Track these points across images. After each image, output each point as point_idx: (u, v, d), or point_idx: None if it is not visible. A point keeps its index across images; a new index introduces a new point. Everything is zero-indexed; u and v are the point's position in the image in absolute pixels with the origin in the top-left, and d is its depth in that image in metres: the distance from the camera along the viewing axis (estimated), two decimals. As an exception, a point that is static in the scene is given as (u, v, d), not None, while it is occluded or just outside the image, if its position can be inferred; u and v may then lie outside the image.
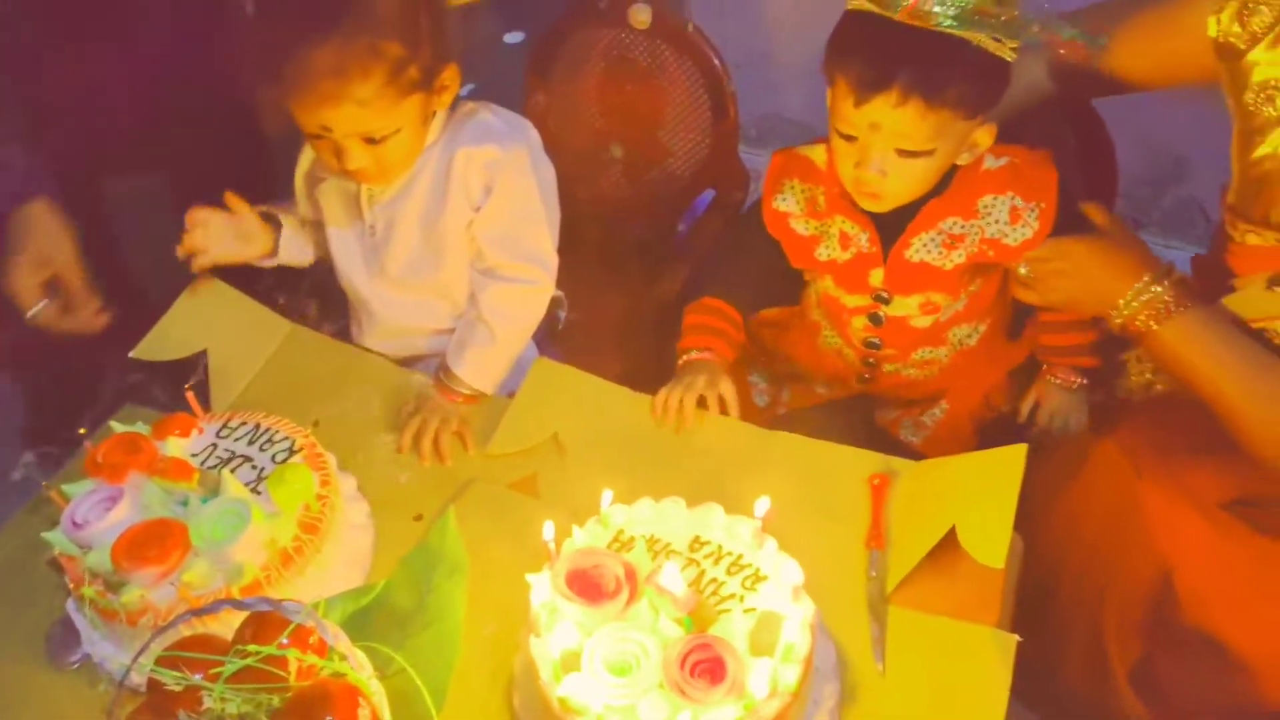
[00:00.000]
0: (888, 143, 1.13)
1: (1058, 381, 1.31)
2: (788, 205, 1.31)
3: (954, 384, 1.38)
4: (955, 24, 1.07)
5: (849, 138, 1.16)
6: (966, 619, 1.01)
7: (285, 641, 0.77)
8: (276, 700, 0.77)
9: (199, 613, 0.77)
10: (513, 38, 2.80)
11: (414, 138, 1.17)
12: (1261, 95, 1.12)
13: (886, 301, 1.30)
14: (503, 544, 1.08)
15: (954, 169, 1.21)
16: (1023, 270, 1.21)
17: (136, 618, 0.96)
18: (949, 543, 1.03)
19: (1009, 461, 1.05)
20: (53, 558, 1.07)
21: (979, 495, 1.04)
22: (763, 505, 0.96)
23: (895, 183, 1.17)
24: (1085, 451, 1.18)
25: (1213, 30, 1.15)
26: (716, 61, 1.57)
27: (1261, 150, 1.13)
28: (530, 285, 1.26)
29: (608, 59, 1.64)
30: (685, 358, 1.30)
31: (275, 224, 1.31)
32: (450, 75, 1.17)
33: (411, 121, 1.15)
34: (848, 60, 1.12)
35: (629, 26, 1.58)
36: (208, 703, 0.73)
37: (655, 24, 1.57)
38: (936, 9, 1.07)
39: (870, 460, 1.17)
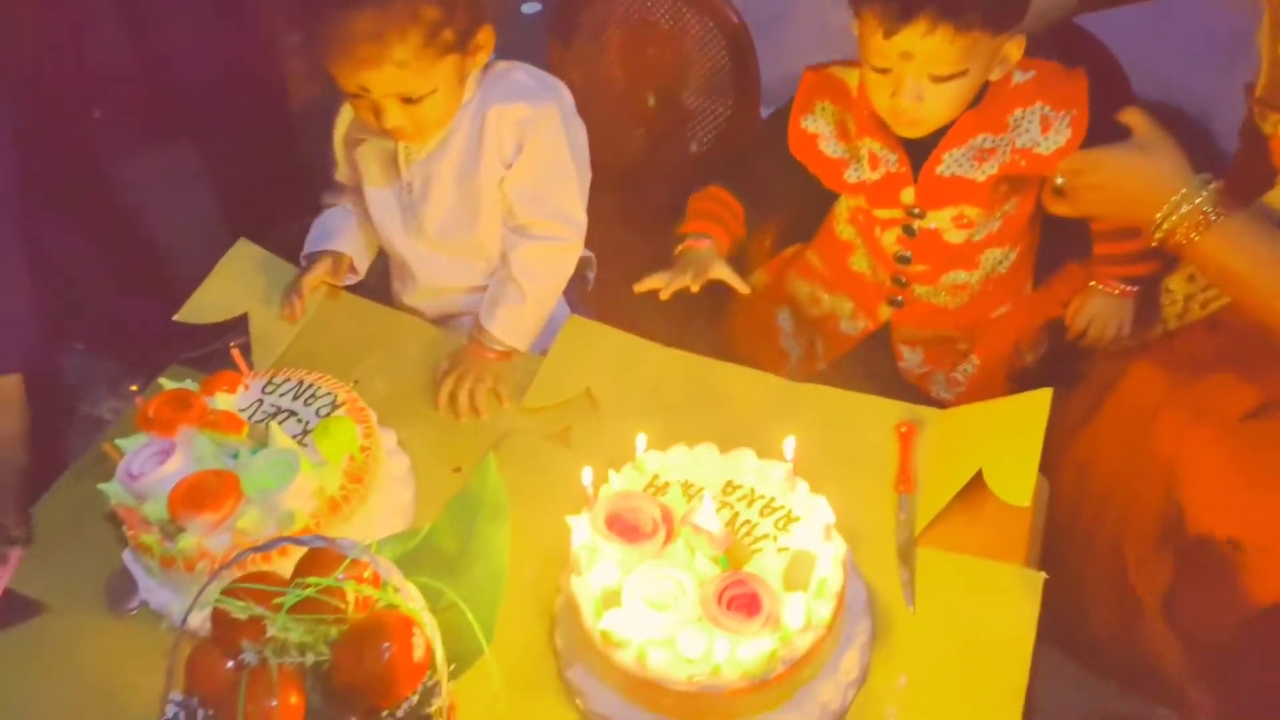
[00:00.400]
0: (921, 69, 1.15)
1: (1104, 289, 1.30)
2: (817, 127, 1.32)
3: (985, 333, 1.38)
4: None
5: (882, 70, 1.17)
6: (994, 558, 1.04)
7: (342, 576, 0.81)
8: (334, 631, 0.81)
9: (260, 549, 0.81)
10: (530, 8, 2.81)
11: (450, 97, 1.20)
12: None
13: (920, 216, 1.30)
14: (540, 492, 1.11)
15: (986, 83, 1.22)
16: (1059, 181, 1.17)
17: (194, 563, 1.00)
18: (976, 485, 1.06)
19: (1034, 405, 1.08)
20: (110, 511, 1.11)
21: (1005, 438, 1.07)
22: (790, 445, 0.98)
23: (933, 106, 1.18)
24: (1110, 379, 1.19)
25: None
26: (737, 20, 1.58)
27: None
28: (559, 243, 1.29)
29: (628, 22, 1.65)
30: (681, 245, 1.32)
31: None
32: (485, 36, 1.19)
33: (447, 81, 1.17)
34: None
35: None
36: (271, 632, 0.77)
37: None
38: None
39: (896, 409, 1.19)
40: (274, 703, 0.79)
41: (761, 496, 1.00)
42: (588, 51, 1.69)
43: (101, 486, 1.06)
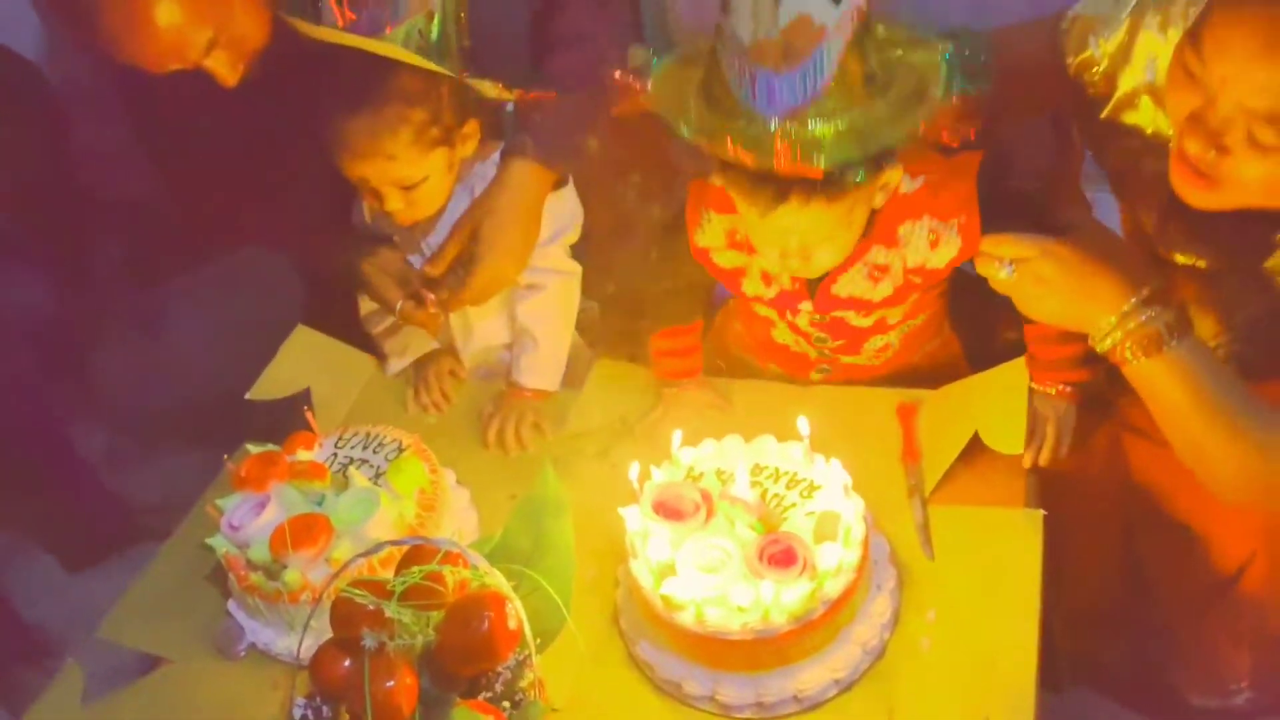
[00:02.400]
0: (805, 234, 1.15)
1: (1040, 389, 1.25)
2: (708, 240, 1.31)
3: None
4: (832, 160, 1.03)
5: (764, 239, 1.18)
6: (997, 505, 1.18)
7: (438, 569, 0.95)
8: (437, 616, 0.95)
9: (367, 554, 0.95)
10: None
11: (441, 181, 1.36)
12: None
13: (823, 321, 1.33)
14: (588, 504, 1.23)
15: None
16: (1005, 273, 1.11)
17: (298, 595, 1.14)
18: (974, 445, 1.21)
19: (1015, 370, 1.23)
20: (209, 572, 1.26)
21: (994, 400, 1.22)
22: (804, 424, 1.13)
23: (823, 258, 1.19)
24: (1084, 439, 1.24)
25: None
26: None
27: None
28: (553, 289, 1.44)
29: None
30: (666, 389, 1.38)
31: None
32: (470, 128, 1.37)
33: (437, 169, 1.34)
34: (739, 180, 1.12)
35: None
36: (387, 614, 0.90)
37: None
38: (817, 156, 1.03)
39: (896, 394, 1.34)
40: (392, 683, 0.92)
41: (786, 473, 1.14)
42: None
43: (209, 541, 1.20)
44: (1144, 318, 1.04)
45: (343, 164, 1.33)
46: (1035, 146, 1.57)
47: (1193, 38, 0.97)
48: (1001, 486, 1.20)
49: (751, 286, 1.33)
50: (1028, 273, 1.09)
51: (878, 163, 1.11)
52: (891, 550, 1.15)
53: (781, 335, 1.42)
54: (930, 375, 1.38)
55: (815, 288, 1.29)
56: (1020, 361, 1.24)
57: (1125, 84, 1.17)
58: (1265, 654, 1.20)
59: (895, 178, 1.17)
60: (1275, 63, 0.91)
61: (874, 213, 1.22)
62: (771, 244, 1.19)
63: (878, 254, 1.24)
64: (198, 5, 1.18)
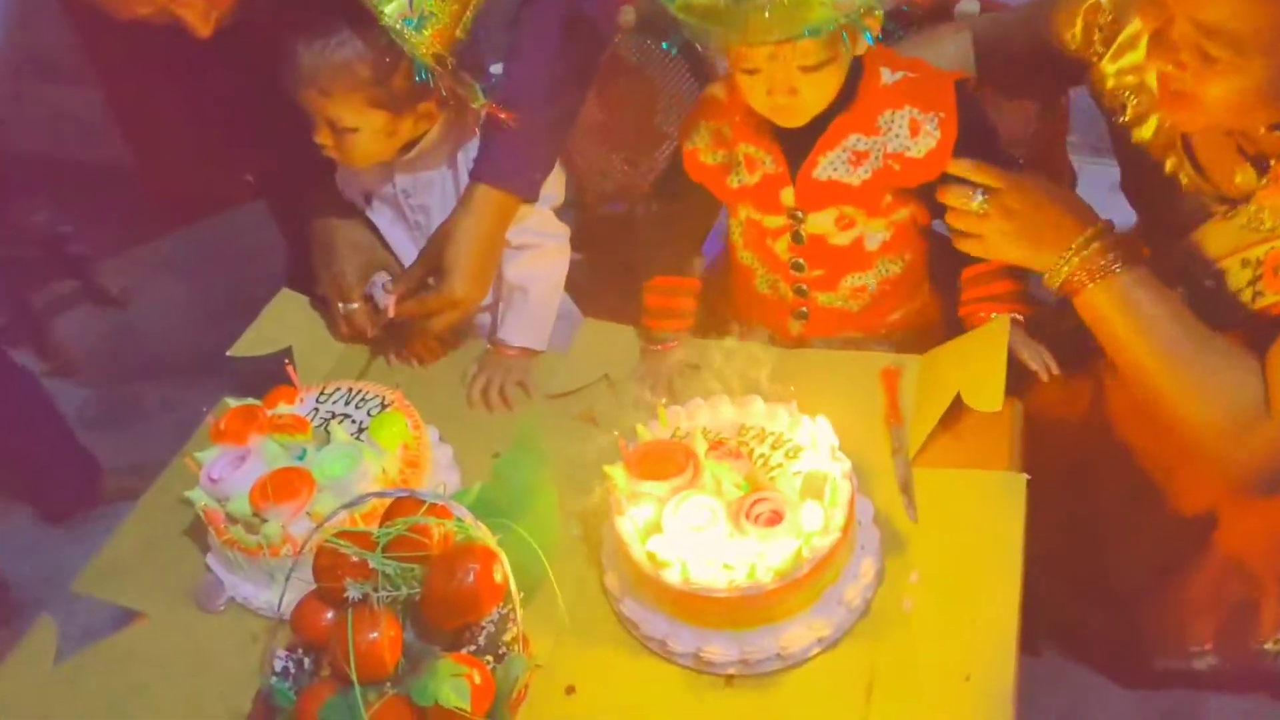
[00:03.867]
0: (789, 64, 1.18)
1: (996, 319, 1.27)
2: (696, 142, 1.38)
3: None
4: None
5: (751, 71, 1.21)
6: (980, 467, 1.18)
7: (422, 519, 0.94)
8: (421, 569, 0.94)
9: (351, 505, 0.94)
10: (498, 68, 3.01)
11: (373, 140, 1.33)
12: (1115, 102, 1.25)
13: (801, 220, 1.35)
14: (573, 463, 1.24)
15: (856, 85, 1.27)
16: (975, 201, 1.17)
17: (278, 549, 1.12)
18: (957, 408, 1.21)
19: (995, 329, 1.23)
20: (188, 527, 1.24)
21: (974, 360, 1.22)
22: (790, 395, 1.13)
23: (808, 95, 1.22)
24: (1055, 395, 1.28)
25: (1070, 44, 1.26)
26: (699, 48, 1.76)
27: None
28: (546, 248, 1.43)
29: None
30: (647, 344, 1.39)
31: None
32: (427, 108, 1.34)
33: (371, 128, 1.31)
34: None
35: (617, 27, 1.77)
36: (371, 565, 0.90)
37: (639, 22, 1.77)
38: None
39: (880, 359, 1.34)
40: (376, 635, 0.92)
41: (772, 433, 1.14)
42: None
43: (187, 493, 1.18)
44: (1095, 245, 1.12)
45: (288, 87, 1.30)
46: (1020, 115, 1.59)
47: None
48: (985, 449, 1.20)
49: (737, 177, 1.35)
50: (996, 205, 1.15)
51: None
52: (876, 512, 1.15)
53: (761, 285, 1.45)
54: (909, 338, 1.40)
55: (796, 174, 1.31)
56: (1002, 320, 1.24)
57: (1129, 29, 1.21)
58: (1227, 615, 1.21)
59: (874, 24, 1.19)
60: None
61: (856, 95, 1.27)
62: (757, 78, 1.21)
63: (857, 141, 1.28)
64: None
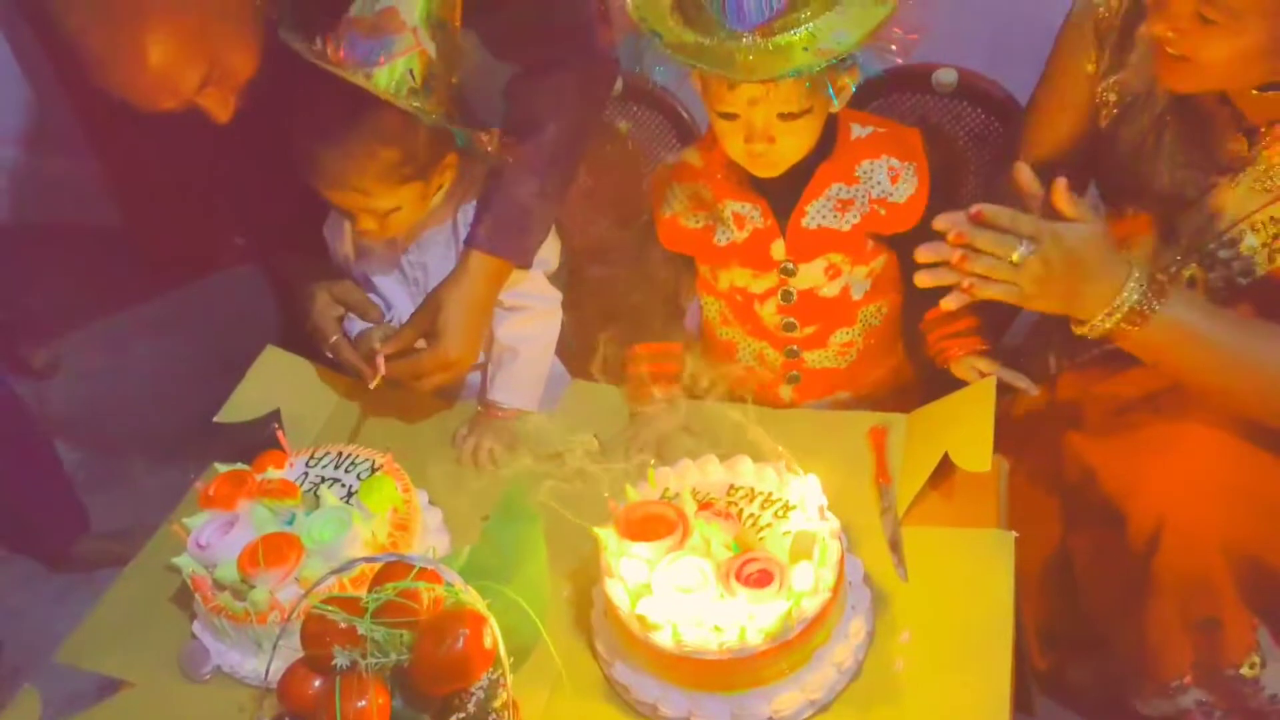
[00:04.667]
0: (770, 111, 1.20)
1: (964, 355, 1.33)
2: (672, 209, 1.39)
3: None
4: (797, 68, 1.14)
5: (730, 116, 1.23)
6: (969, 526, 1.19)
7: (413, 586, 0.94)
8: (410, 635, 0.93)
9: (340, 570, 0.94)
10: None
11: (415, 209, 1.38)
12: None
13: (793, 273, 1.36)
14: (562, 526, 1.23)
15: (833, 137, 1.31)
16: (1019, 253, 1.09)
17: (266, 616, 1.12)
18: (944, 468, 1.21)
19: (982, 391, 1.24)
20: (175, 594, 1.23)
21: (961, 421, 1.23)
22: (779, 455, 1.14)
23: (785, 144, 1.25)
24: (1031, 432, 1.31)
25: (1089, 68, 1.30)
26: (684, 113, 1.79)
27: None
28: (536, 310, 1.45)
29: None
30: (637, 409, 1.40)
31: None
32: (451, 159, 1.38)
33: (410, 200, 1.36)
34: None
35: (610, 96, 1.79)
36: (360, 631, 0.89)
37: (625, 89, 1.80)
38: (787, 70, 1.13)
39: (867, 418, 1.35)
40: (364, 703, 0.91)
41: (761, 493, 1.14)
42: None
43: (175, 560, 1.17)
44: (1126, 295, 1.10)
45: (316, 188, 1.34)
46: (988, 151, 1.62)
47: None
48: (973, 507, 1.20)
49: (724, 235, 1.37)
50: (1035, 257, 1.09)
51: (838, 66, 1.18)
52: (866, 571, 1.15)
53: (746, 355, 1.45)
54: (891, 398, 1.42)
55: (785, 226, 1.34)
56: (988, 381, 1.26)
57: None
58: (1197, 639, 1.21)
59: (849, 82, 1.23)
60: None
61: (834, 145, 1.31)
62: (736, 124, 1.23)
63: (840, 190, 1.32)
64: (191, 42, 1.14)
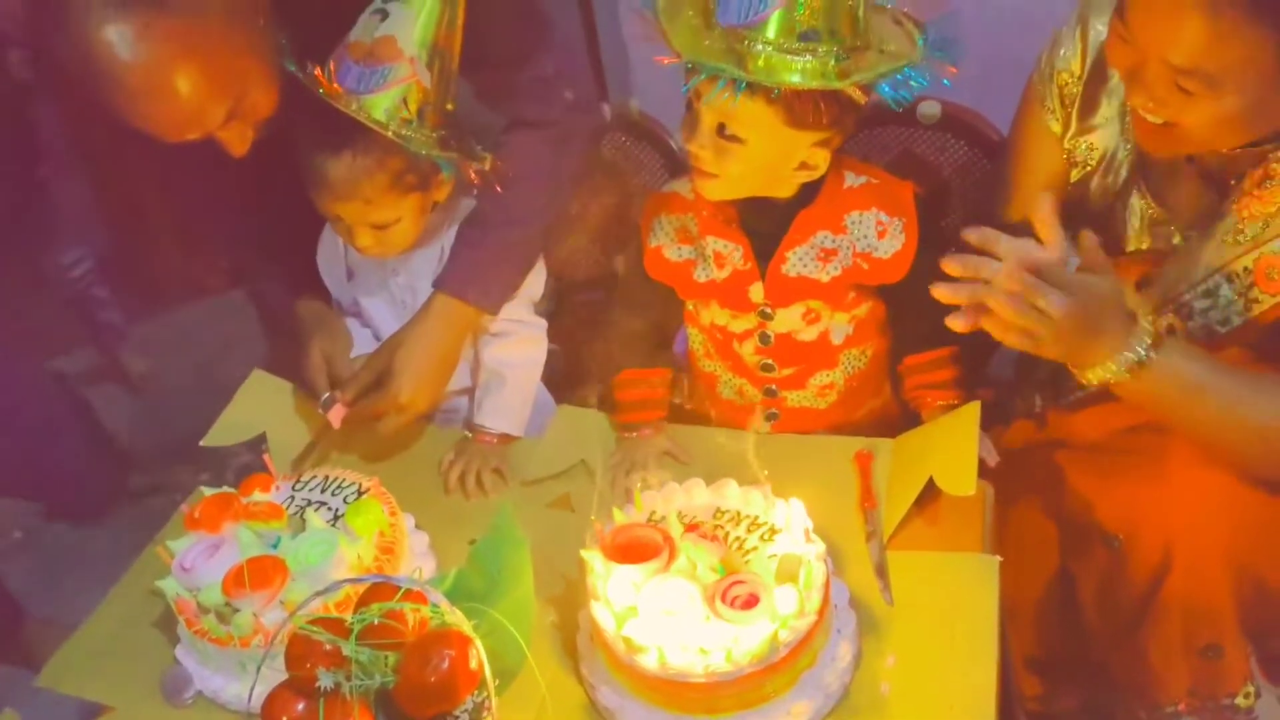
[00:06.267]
0: (713, 118, 1.19)
1: (941, 404, 1.34)
2: (658, 239, 1.39)
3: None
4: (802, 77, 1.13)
5: (693, 113, 1.22)
6: (953, 550, 1.19)
7: (398, 607, 0.93)
8: (394, 657, 0.93)
9: (324, 592, 0.93)
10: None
11: (413, 223, 1.39)
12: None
13: (770, 317, 1.36)
14: (549, 551, 1.23)
15: (820, 183, 1.30)
16: (1052, 304, 1.04)
17: (250, 640, 1.11)
18: (930, 491, 1.22)
19: (966, 415, 1.25)
20: (158, 618, 1.22)
21: (946, 445, 1.24)
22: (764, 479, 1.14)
23: (714, 162, 1.23)
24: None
25: (1056, 129, 1.32)
26: (672, 144, 1.81)
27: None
28: (522, 335, 1.46)
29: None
30: (624, 434, 1.40)
31: None
32: (445, 175, 1.38)
33: (411, 212, 1.37)
34: None
35: (596, 157, 1.72)
36: (345, 652, 0.89)
37: (613, 119, 1.82)
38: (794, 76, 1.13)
39: (853, 443, 1.35)
40: (348, 725, 0.90)
41: (747, 516, 1.14)
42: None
43: (159, 583, 1.17)
44: (1132, 345, 1.09)
45: (319, 202, 1.34)
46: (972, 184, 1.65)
47: (1119, 12, 1.10)
48: (958, 532, 1.21)
49: (704, 272, 1.36)
50: (1065, 309, 1.06)
51: (796, 115, 1.17)
52: (851, 595, 1.15)
53: (725, 391, 1.46)
54: (875, 433, 1.40)
55: (765, 270, 1.34)
56: (972, 407, 1.27)
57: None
58: (1196, 665, 1.21)
59: (821, 161, 1.25)
60: (1183, 25, 1.03)
61: (819, 192, 1.30)
62: (689, 117, 1.22)
63: (825, 239, 1.32)
64: (219, 75, 1.15)
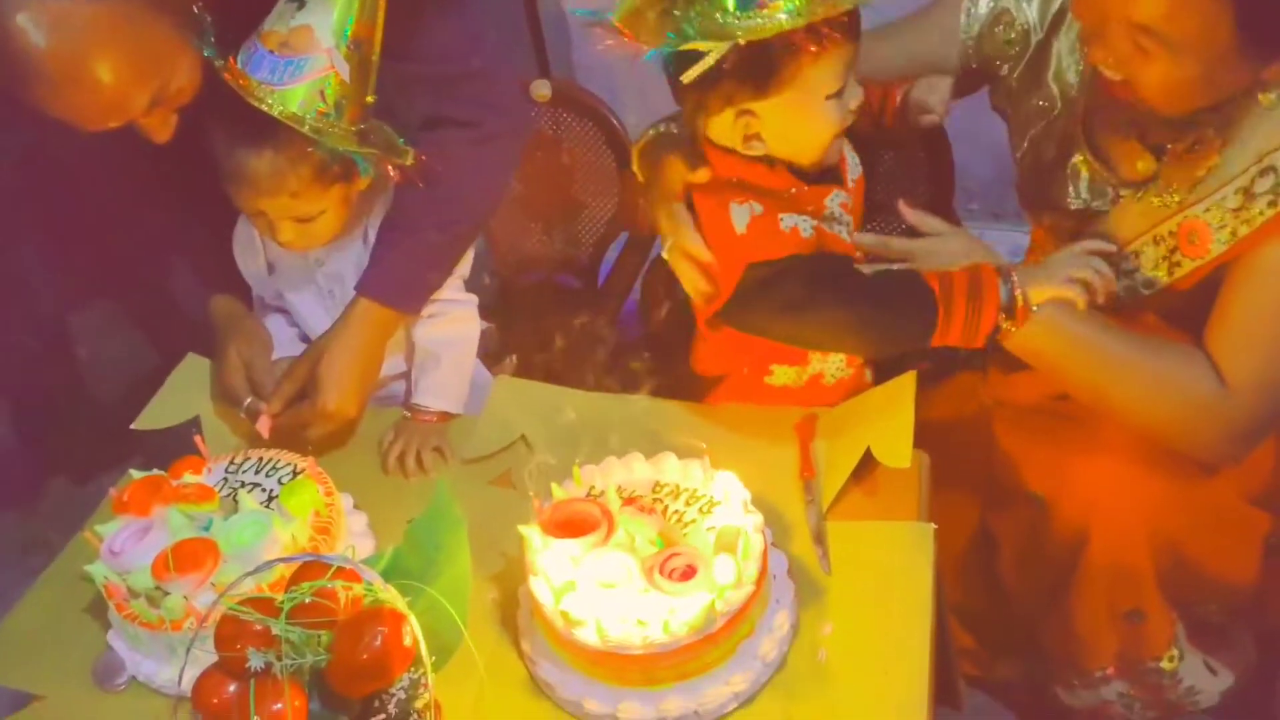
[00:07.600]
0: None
1: None
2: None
3: None
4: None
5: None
6: (890, 519, 1.21)
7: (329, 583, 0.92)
8: (328, 635, 0.92)
9: (254, 571, 0.92)
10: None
11: (337, 214, 1.36)
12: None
13: None
14: (490, 528, 1.23)
15: None
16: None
17: (181, 623, 1.09)
18: (867, 462, 1.23)
19: (902, 386, 1.26)
20: (88, 605, 1.20)
21: (883, 416, 1.25)
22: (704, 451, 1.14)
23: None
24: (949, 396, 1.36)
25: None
26: (614, 120, 1.80)
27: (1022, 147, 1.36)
28: (453, 314, 1.44)
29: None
30: None
31: None
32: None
33: (335, 204, 1.34)
34: None
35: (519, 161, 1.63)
36: (275, 631, 0.87)
37: (555, 95, 1.81)
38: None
39: (792, 413, 1.36)
40: (280, 706, 0.89)
41: (686, 490, 1.15)
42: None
43: (88, 568, 1.14)
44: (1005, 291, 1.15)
45: (241, 198, 1.31)
46: (908, 178, 1.66)
47: None
48: (894, 500, 1.22)
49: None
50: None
51: None
52: (791, 566, 1.16)
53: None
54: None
55: None
56: (908, 376, 1.28)
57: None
58: (1122, 629, 1.24)
59: None
60: None
61: None
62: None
63: None
64: (143, 61, 1.11)
